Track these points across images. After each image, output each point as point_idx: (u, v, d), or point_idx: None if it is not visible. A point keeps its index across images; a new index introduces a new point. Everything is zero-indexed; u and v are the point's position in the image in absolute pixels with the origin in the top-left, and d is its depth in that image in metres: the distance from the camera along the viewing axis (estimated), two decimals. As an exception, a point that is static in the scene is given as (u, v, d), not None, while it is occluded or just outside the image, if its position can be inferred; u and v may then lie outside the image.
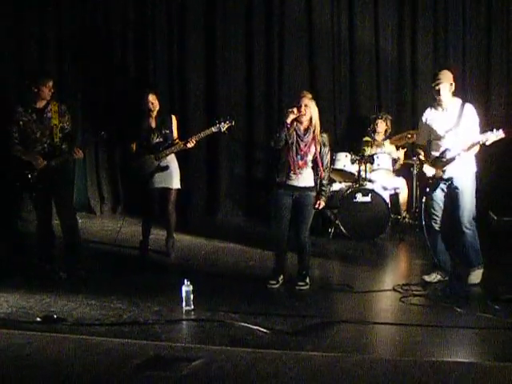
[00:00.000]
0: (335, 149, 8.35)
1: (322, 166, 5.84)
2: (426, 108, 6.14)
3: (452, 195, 5.95)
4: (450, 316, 5.16)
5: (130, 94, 9.04)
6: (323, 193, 5.90)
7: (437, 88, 5.86)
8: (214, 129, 6.82)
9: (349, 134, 9.10)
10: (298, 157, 5.78)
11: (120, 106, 9.14)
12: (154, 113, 6.92)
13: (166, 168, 6.90)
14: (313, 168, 5.84)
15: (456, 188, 5.90)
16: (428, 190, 6.00)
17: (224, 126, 6.83)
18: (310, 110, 5.76)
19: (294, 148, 5.76)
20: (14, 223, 8.37)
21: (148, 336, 4.69)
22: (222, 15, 9.19)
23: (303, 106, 5.73)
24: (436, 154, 5.95)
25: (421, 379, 3.86)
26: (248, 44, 9.24)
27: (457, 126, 5.86)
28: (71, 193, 6.44)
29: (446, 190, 5.97)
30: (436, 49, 8.99)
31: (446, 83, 5.87)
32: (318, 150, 5.80)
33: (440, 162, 5.90)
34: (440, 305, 5.45)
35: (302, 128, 5.81)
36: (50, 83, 6.04)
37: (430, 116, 6.07)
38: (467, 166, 5.90)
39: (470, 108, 5.92)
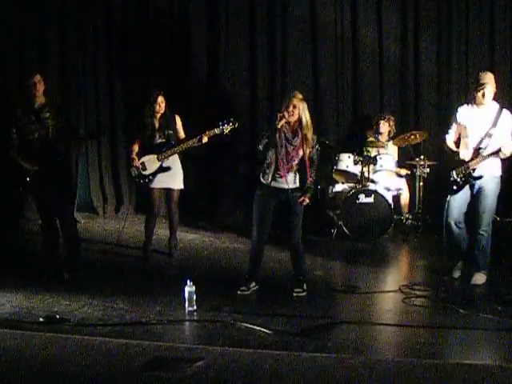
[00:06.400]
0: (338, 149, 8.33)
1: (311, 168, 5.60)
2: (455, 105, 6.20)
3: (475, 196, 5.96)
4: (452, 317, 5.15)
5: (135, 94, 9.07)
6: (309, 189, 5.63)
7: (482, 92, 5.83)
8: (216, 130, 6.83)
9: (352, 135, 9.07)
10: (285, 160, 5.56)
11: (124, 105, 9.21)
12: (159, 114, 6.94)
13: (169, 168, 6.91)
14: (299, 170, 5.63)
15: (480, 189, 5.92)
16: (455, 188, 5.96)
17: (227, 128, 6.83)
18: (299, 112, 5.53)
19: (283, 151, 5.55)
20: (17, 223, 8.38)
21: (150, 336, 4.69)
22: (225, 14, 9.17)
23: (291, 106, 5.52)
24: (466, 152, 5.93)
25: (424, 380, 3.86)
26: (251, 44, 9.20)
27: (493, 128, 5.86)
28: (69, 193, 6.46)
29: (470, 190, 5.97)
30: (439, 49, 8.95)
31: (491, 87, 5.85)
32: (308, 152, 5.57)
33: (476, 157, 5.88)
34: (443, 306, 5.44)
35: (290, 131, 5.58)
36: (35, 77, 5.98)
37: (465, 114, 6.03)
38: (493, 168, 5.93)
39: (507, 113, 5.93)
